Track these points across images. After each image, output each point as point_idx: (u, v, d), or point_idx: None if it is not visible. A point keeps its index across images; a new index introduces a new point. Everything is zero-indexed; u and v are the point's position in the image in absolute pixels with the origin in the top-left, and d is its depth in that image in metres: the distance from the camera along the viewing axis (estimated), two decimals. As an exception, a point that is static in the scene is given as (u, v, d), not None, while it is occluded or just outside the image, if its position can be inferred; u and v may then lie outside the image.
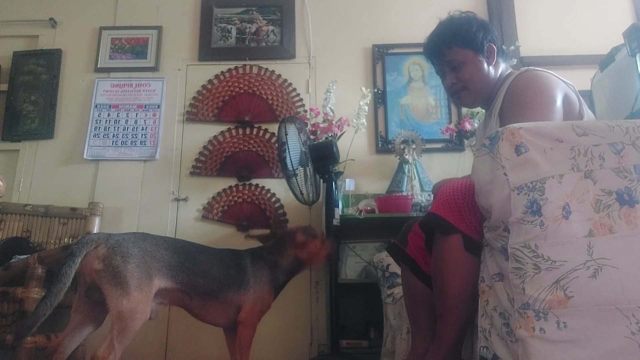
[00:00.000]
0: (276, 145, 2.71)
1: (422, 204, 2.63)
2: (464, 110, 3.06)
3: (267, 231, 1.97)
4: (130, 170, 3.02)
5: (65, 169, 3.03)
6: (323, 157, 2.43)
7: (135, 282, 1.40)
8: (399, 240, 1.44)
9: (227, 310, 1.68)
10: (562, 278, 0.87)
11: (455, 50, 1.47)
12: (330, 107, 2.84)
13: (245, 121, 3.11)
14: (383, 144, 3.07)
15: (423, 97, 3.18)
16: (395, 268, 1.98)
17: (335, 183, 2.49)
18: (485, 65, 1.47)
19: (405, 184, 2.79)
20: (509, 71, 1.51)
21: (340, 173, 2.77)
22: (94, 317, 1.53)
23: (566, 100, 1.33)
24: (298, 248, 1.82)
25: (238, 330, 1.67)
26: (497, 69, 1.49)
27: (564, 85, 1.36)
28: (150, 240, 1.56)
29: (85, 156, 3.02)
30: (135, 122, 3.11)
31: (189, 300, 1.62)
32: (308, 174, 2.48)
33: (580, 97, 1.39)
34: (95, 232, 2.75)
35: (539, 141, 0.95)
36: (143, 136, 3.08)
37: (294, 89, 3.18)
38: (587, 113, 1.38)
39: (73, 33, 3.30)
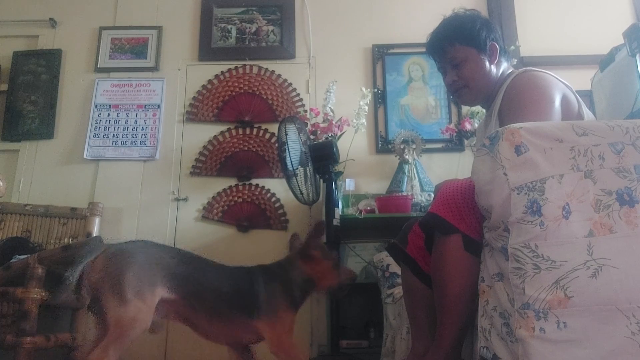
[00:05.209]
0: (276, 145, 2.71)
1: (422, 204, 2.63)
2: (464, 110, 3.06)
3: None
4: (130, 170, 3.01)
5: (65, 169, 3.03)
6: (323, 157, 2.43)
7: (135, 289, 1.35)
8: (399, 240, 1.44)
9: (236, 331, 1.58)
10: (562, 278, 0.87)
11: (458, 47, 1.46)
12: (330, 107, 2.84)
13: (245, 121, 3.11)
14: (383, 144, 3.07)
15: (423, 97, 3.18)
16: (395, 268, 1.98)
17: (335, 183, 2.49)
18: (487, 63, 1.47)
19: (405, 184, 2.79)
20: (510, 70, 1.51)
21: (340, 173, 2.77)
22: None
23: (565, 101, 1.33)
24: (309, 264, 1.66)
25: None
26: (499, 68, 1.49)
27: (562, 86, 1.36)
28: (155, 248, 1.50)
29: (85, 156, 3.02)
30: (135, 122, 3.11)
31: (194, 316, 1.53)
32: (308, 174, 2.48)
33: (579, 98, 1.39)
34: (95, 232, 2.74)
35: (539, 141, 0.95)
36: (143, 136, 3.08)
37: (294, 89, 3.18)
38: (587, 114, 1.38)
39: (73, 33, 3.30)
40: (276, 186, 2.98)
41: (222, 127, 3.11)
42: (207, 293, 1.51)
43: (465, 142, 3.02)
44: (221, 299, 1.53)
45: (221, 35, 3.30)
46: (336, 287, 1.74)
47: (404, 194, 2.71)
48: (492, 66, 1.48)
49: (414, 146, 2.85)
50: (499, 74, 1.49)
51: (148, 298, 1.38)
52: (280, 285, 1.61)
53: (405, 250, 1.40)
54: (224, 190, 2.99)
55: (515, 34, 3.23)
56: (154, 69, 3.22)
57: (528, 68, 1.43)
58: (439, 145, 3.08)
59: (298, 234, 1.74)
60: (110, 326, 1.33)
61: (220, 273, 1.58)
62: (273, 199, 2.97)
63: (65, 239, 2.70)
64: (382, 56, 3.24)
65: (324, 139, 2.70)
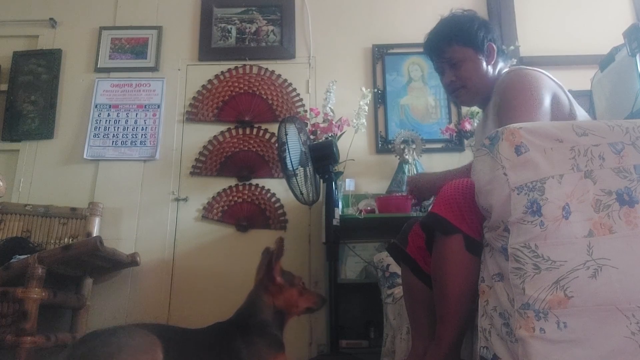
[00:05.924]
0: (276, 145, 2.71)
1: (422, 204, 2.62)
2: (464, 110, 3.06)
3: None
4: (130, 170, 3.01)
5: (65, 169, 3.03)
6: (323, 157, 2.43)
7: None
8: (399, 240, 1.44)
9: None
10: (562, 278, 0.87)
11: (455, 48, 1.47)
12: (330, 107, 2.84)
13: (245, 121, 3.11)
14: (383, 144, 3.07)
15: (423, 97, 3.18)
16: (395, 268, 1.98)
17: (335, 183, 2.48)
18: (485, 64, 1.47)
19: (405, 184, 2.79)
20: (505, 70, 1.51)
21: (340, 173, 2.77)
22: None
23: (555, 100, 1.32)
24: (275, 295, 1.57)
25: None
26: (496, 68, 1.49)
27: (553, 85, 1.34)
28: (128, 325, 1.39)
29: (85, 156, 3.02)
30: (135, 122, 3.11)
31: None
32: (308, 174, 2.48)
33: (571, 97, 1.37)
34: (95, 233, 2.73)
35: (539, 141, 0.95)
36: (143, 136, 3.08)
37: (294, 89, 3.18)
38: (580, 113, 1.36)
39: (73, 33, 3.30)
40: (276, 186, 2.98)
41: (222, 127, 3.11)
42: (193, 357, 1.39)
43: (465, 142, 3.02)
44: None
45: (221, 35, 3.30)
46: (305, 312, 1.67)
47: (404, 194, 2.71)
48: (490, 67, 1.48)
49: (414, 146, 2.85)
50: (496, 74, 1.49)
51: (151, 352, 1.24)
52: (258, 333, 1.51)
53: (406, 250, 1.40)
54: (224, 190, 2.99)
55: (515, 34, 3.23)
56: (154, 69, 3.22)
57: (520, 66, 1.43)
58: (439, 145, 3.08)
59: (271, 248, 1.60)
60: None
61: (199, 336, 1.48)
62: (273, 199, 2.97)
63: (65, 239, 2.70)
64: (382, 56, 3.24)
65: (324, 139, 2.70)
